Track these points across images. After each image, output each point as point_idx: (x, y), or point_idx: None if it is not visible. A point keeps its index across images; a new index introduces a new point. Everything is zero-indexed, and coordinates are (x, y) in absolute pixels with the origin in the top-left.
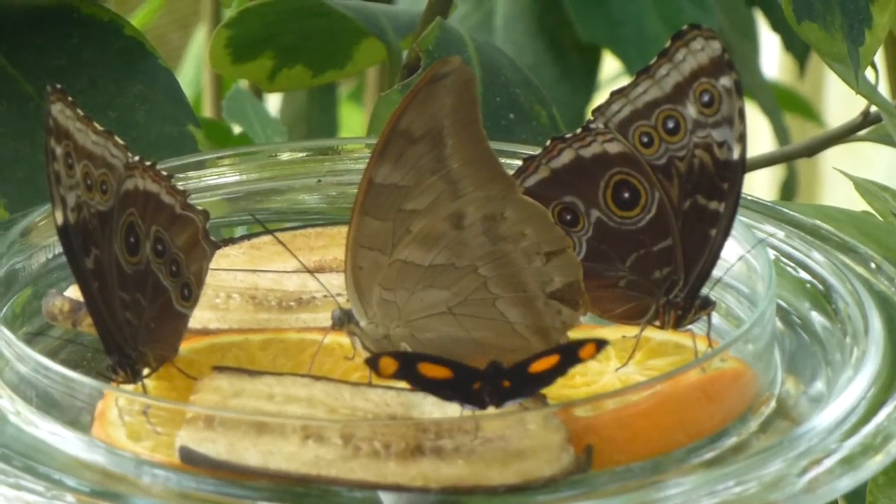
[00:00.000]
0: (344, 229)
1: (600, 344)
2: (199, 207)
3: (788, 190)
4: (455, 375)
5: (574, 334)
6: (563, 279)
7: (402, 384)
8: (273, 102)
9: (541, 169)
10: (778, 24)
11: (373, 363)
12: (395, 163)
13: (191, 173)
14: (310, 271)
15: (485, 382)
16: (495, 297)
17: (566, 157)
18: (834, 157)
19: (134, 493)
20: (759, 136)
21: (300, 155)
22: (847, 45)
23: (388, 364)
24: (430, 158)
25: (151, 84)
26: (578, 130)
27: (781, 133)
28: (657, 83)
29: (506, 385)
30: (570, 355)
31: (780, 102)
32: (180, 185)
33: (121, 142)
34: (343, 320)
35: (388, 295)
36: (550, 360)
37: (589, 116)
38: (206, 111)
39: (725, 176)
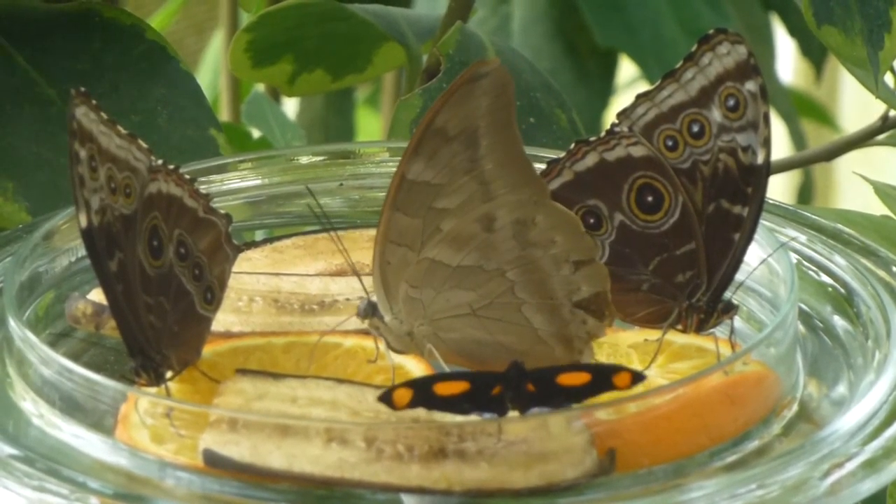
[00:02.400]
0: (366, 232)
1: (637, 377)
2: (222, 211)
3: (805, 195)
4: (473, 386)
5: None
6: (591, 289)
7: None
8: (290, 107)
9: (565, 172)
10: (795, 29)
11: (386, 398)
12: (429, 160)
13: (213, 177)
14: (357, 274)
15: (505, 386)
16: (521, 301)
17: (590, 160)
18: (849, 162)
19: (157, 496)
20: (775, 140)
21: (320, 159)
22: (867, 49)
23: (402, 395)
24: (463, 158)
25: (173, 88)
26: (603, 133)
27: (797, 138)
28: (683, 87)
29: (530, 389)
30: (604, 379)
31: (795, 107)
32: (202, 189)
33: (144, 145)
34: (369, 312)
35: (414, 292)
36: (581, 377)
37: (613, 119)
38: (224, 115)
39: (749, 180)
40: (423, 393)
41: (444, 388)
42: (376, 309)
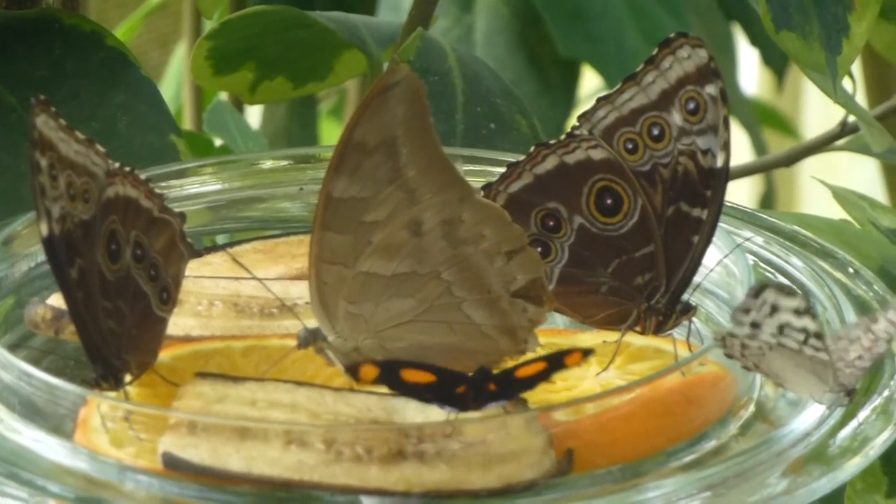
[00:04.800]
0: None
1: (586, 352)
2: (176, 210)
3: (767, 202)
4: (438, 380)
5: (554, 339)
6: (526, 276)
7: (385, 388)
8: (254, 118)
9: (524, 175)
10: (756, 39)
11: (353, 371)
12: (352, 176)
13: (172, 182)
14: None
15: (469, 387)
16: (460, 300)
17: (550, 163)
18: (812, 169)
19: (117, 499)
20: (738, 149)
21: (281, 163)
22: (825, 54)
23: (369, 371)
24: (385, 169)
25: (134, 94)
26: (563, 137)
27: (759, 147)
28: (643, 90)
29: (491, 388)
30: (557, 362)
31: (758, 117)
32: (163, 194)
33: (102, 150)
34: (309, 340)
35: (353, 308)
36: (537, 367)
37: (574, 122)
38: (187, 125)
39: (709, 183)
40: (389, 374)
41: (410, 375)
42: (318, 334)
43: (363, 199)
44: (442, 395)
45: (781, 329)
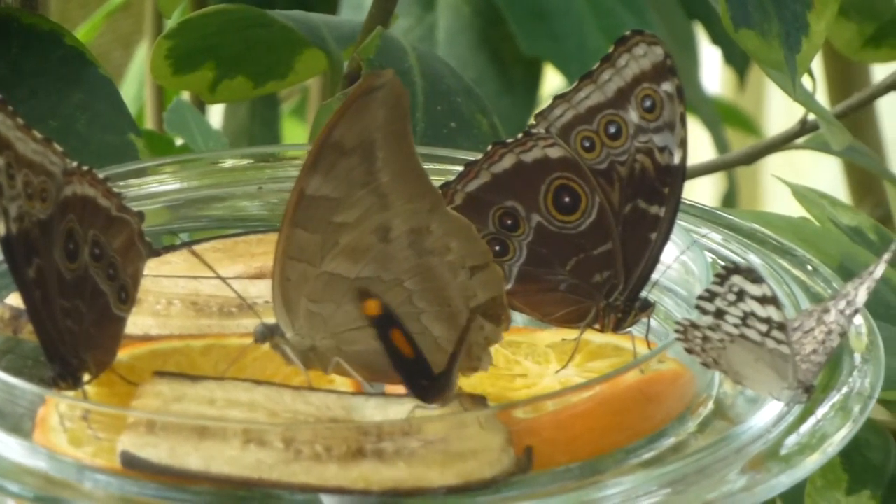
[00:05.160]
0: None
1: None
2: (134, 209)
3: (729, 200)
4: (414, 360)
5: (513, 338)
6: (487, 294)
7: (344, 388)
8: (216, 118)
9: (482, 174)
10: (718, 38)
11: (362, 296)
12: (327, 175)
13: (132, 181)
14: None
15: (432, 384)
16: (420, 311)
17: (507, 161)
18: (775, 168)
19: (76, 499)
20: (700, 149)
21: (241, 162)
22: (784, 52)
23: (373, 305)
24: (360, 171)
25: (92, 93)
26: (520, 135)
27: (722, 146)
28: (600, 88)
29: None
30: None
31: (721, 117)
32: (121, 193)
33: (59, 149)
34: (266, 335)
35: (314, 307)
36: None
37: (531, 121)
38: (149, 125)
39: (666, 180)
40: (385, 321)
41: (398, 338)
42: (275, 330)
43: (335, 199)
44: (408, 376)
45: (745, 318)
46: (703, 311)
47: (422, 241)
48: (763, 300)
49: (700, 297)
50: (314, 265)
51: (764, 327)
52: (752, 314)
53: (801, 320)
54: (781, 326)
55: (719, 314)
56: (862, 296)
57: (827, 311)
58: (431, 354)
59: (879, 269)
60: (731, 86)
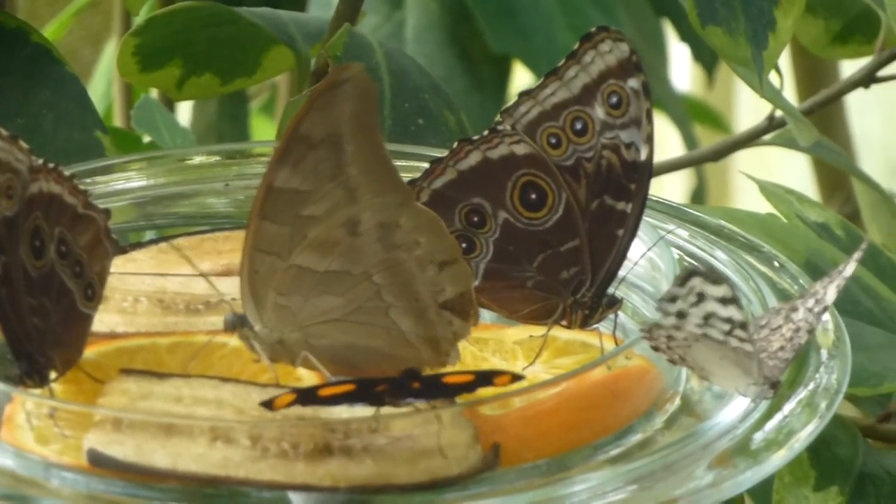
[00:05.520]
0: None
1: (516, 377)
2: (101, 206)
3: (698, 197)
4: (358, 388)
5: (481, 334)
6: (455, 289)
7: (312, 383)
8: (184, 116)
9: (448, 170)
10: (686, 35)
11: (268, 406)
12: (295, 168)
13: (98, 178)
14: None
15: (390, 385)
16: (388, 305)
17: (473, 158)
18: (745, 165)
19: (43, 496)
20: (670, 146)
21: (209, 159)
22: (751, 49)
23: (284, 400)
24: (328, 164)
25: (58, 91)
26: (486, 132)
27: (690, 143)
28: (565, 85)
29: (415, 386)
30: (485, 379)
31: (690, 114)
32: (88, 190)
33: (25, 146)
34: (235, 324)
35: (283, 300)
36: (465, 378)
37: (497, 118)
38: (117, 123)
39: (633, 177)
40: (305, 398)
41: (327, 391)
42: (244, 320)
43: (303, 192)
44: (362, 396)
45: (707, 319)
46: (666, 313)
47: (391, 235)
48: (724, 300)
49: (661, 300)
50: (282, 258)
51: (726, 326)
52: (714, 314)
53: (769, 318)
54: (743, 325)
55: (681, 315)
56: (831, 294)
57: (795, 309)
58: (400, 349)
59: (850, 268)
60: (700, 83)
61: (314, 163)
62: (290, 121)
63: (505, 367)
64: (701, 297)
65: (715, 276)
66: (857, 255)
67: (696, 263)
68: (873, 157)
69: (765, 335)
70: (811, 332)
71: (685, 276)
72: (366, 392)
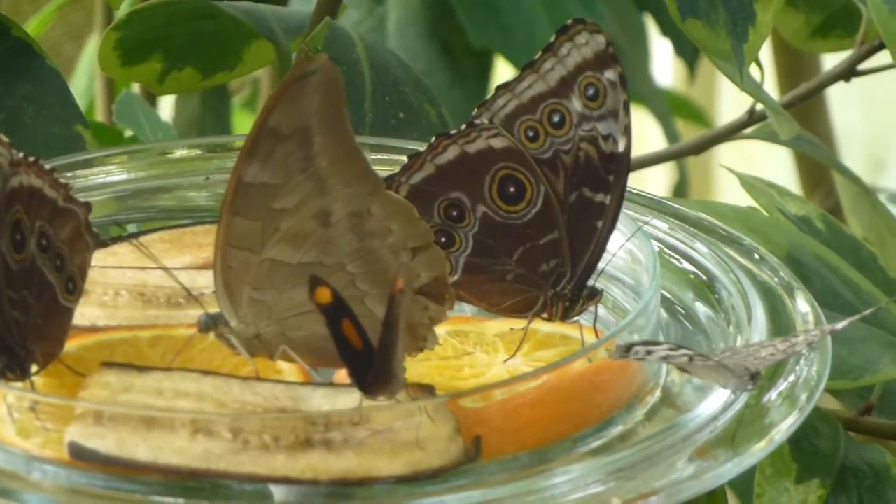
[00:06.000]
0: None
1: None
2: (81, 200)
3: (680, 191)
4: (362, 353)
5: (461, 327)
6: (430, 274)
7: (291, 378)
8: (166, 110)
9: (426, 165)
10: (667, 29)
11: (313, 284)
12: (264, 161)
13: (79, 172)
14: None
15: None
16: (363, 294)
17: (451, 153)
18: (727, 159)
19: (24, 490)
20: (651, 141)
21: (189, 153)
22: (731, 41)
23: (325, 293)
24: (298, 157)
25: (39, 85)
26: (463, 126)
27: (672, 138)
28: (542, 77)
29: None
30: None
31: (672, 109)
32: (68, 184)
33: (6, 139)
34: (209, 325)
35: (257, 294)
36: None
37: (474, 112)
38: (99, 118)
39: (611, 168)
40: (336, 310)
41: (348, 329)
42: (218, 319)
43: (274, 185)
44: (355, 367)
45: (666, 358)
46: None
47: (363, 224)
48: (671, 349)
49: (616, 350)
50: (255, 252)
51: (685, 358)
52: (670, 357)
53: (767, 342)
54: (701, 356)
55: (645, 353)
56: (841, 324)
57: (796, 335)
58: (376, 335)
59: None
60: (682, 79)
61: (283, 156)
62: (258, 114)
63: (486, 360)
64: (650, 352)
65: (651, 342)
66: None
67: (675, 261)
68: (855, 152)
69: (754, 349)
70: (811, 344)
71: (626, 348)
72: (361, 368)
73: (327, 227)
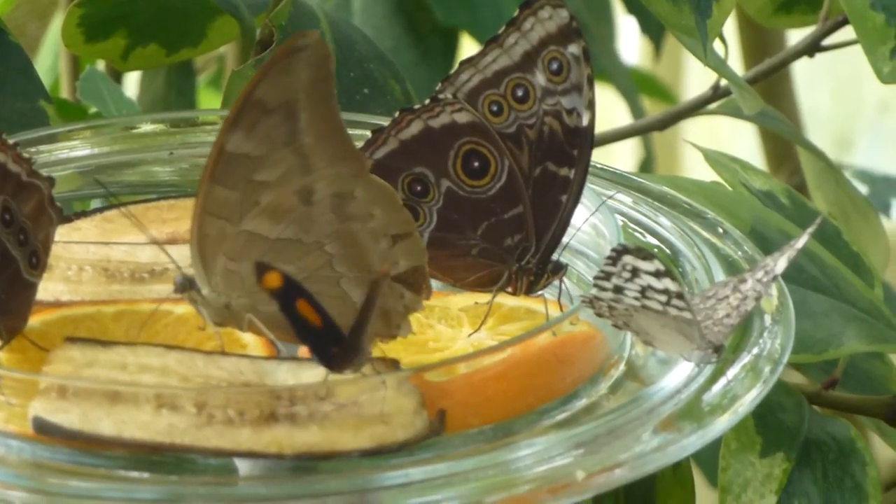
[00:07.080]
0: None
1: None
2: (44, 174)
3: (646, 167)
4: (322, 329)
5: (428, 302)
6: (409, 263)
7: (256, 352)
8: (131, 88)
9: (390, 140)
10: (632, 7)
11: (261, 270)
12: (248, 132)
13: (42, 147)
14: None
15: (341, 350)
16: (340, 275)
17: (415, 127)
18: (694, 136)
19: None
20: (618, 119)
21: (154, 128)
22: (695, 17)
23: (274, 278)
24: (282, 131)
25: (2, 60)
26: (427, 101)
27: (638, 115)
28: (506, 52)
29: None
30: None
31: (639, 87)
32: (32, 158)
33: None
34: (185, 286)
35: (232, 265)
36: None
37: (438, 87)
38: (64, 95)
39: (575, 142)
40: (288, 292)
41: (304, 308)
42: (193, 282)
43: (256, 157)
44: (316, 346)
45: (643, 292)
46: (602, 289)
47: (345, 206)
48: (657, 274)
49: (596, 277)
50: (233, 223)
51: (663, 297)
52: (650, 287)
53: (716, 289)
54: (680, 295)
55: (618, 290)
56: (781, 265)
57: (744, 280)
58: (349, 318)
59: (802, 241)
60: (649, 57)
61: (268, 128)
62: (234, 94)
63: (451, 334)
64: (635, 273)
65: (645, 253)
66: (810, 228)
67: (639, 235)
68: (822, 131)
69: (711, 304)
70: (758, 299)
71: (617, 255)
72: (323, 344)
73: (309, 205)
